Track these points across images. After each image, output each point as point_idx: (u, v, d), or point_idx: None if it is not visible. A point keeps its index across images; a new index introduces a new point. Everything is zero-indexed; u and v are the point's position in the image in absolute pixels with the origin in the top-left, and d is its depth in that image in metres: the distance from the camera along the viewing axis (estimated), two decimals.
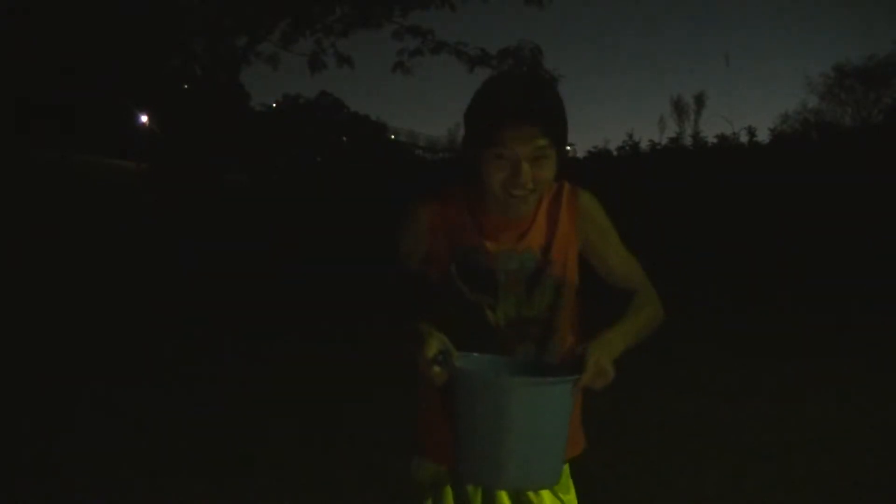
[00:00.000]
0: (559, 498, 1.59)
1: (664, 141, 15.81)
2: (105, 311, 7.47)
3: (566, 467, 1.63)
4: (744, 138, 14.43)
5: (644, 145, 15.20)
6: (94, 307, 7.56)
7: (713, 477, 3.33)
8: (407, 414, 1.68)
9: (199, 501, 3.19)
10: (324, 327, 6.59)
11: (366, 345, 5.27)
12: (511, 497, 1.58)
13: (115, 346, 6.04)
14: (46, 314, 7.11)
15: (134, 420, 4.24)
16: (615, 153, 15.48)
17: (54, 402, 4.56)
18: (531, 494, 1.57)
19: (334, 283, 8.76)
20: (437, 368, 1.34)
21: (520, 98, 1.43)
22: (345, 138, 39.81)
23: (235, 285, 8.95)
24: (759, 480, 3.29)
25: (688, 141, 16.65)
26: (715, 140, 14.85)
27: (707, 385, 4.79)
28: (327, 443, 3.86)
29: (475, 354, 1.43)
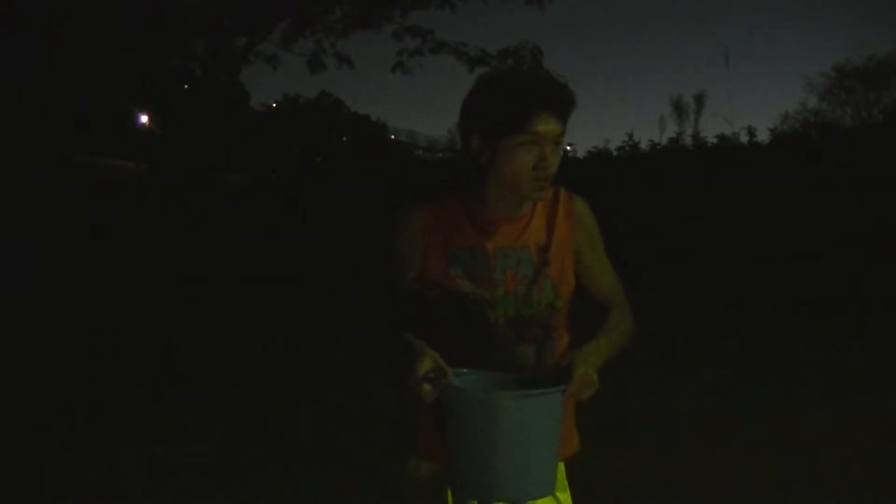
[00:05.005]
0: (555, 497, 1.59)
1: (664, 141, 15.74)
2: (104, 310, 7.47)
3: (561, 466, 1.63)
4: (744, 138, 14.37)
5: (644, 145, 15.15)
6: (94, 307, 7.56)
7: (712, 476, 3.33)
8: (406, 414, 1.69)
9: (200, 501, 3.20)
10: (323, 327, 6.59)
11: (366, 345, 5.28)
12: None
13: (113, 345, 6.05)
14: (45, 314, 7.11)
15: (134, 420, 4.24)
16: (615, 153, 15.41)
17: (52, 400, 4.56)
18: None
19: (335, 283, 8.76)
20: (426, 387, 1.35)
21: (549, 87, 1.48)
22: (345, 138, 39.74)
23: (235, 286, 8.96)
24: (758, 480, 3.29)
25: (688, 141, 16.56)
26: (715, 140, 14.79)
27: (706, 383, 4.79)
28: (327, 443, 3.87)
29: (465, 371, 1.42)
